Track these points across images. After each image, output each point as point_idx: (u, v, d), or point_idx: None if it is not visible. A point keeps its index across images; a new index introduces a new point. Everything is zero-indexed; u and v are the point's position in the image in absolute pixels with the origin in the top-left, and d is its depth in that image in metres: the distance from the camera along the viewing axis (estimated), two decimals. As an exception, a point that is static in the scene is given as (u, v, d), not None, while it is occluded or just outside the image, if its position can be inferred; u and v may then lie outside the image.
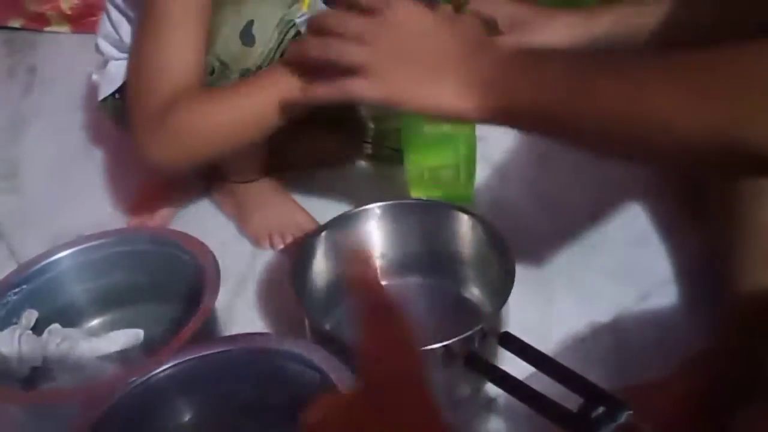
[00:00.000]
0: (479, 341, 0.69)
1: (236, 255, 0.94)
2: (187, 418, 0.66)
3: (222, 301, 0.79)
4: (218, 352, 0.65)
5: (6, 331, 0.73)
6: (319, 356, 0.63)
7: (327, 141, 1.06)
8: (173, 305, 0.81)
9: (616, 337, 0.82)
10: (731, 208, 0.81)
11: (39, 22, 1.49)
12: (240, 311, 0.88)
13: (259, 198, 0.96)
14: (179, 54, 0.75)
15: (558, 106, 0.57)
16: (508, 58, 0.61)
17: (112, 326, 0.82)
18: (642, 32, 0.77)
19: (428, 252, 0.85)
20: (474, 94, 0.61)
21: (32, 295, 0.77)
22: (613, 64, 0.57)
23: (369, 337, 0.37)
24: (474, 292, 0.84)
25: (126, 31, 0.90)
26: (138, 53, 0.78)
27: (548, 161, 1.05)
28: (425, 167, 0.95)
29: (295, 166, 1.05)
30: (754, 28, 0.51)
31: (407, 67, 0.63)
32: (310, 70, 0.68)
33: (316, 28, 0.68)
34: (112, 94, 0.94)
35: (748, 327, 0.74)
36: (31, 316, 0.76)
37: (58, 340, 0.74)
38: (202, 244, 0.80)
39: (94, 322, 0.83)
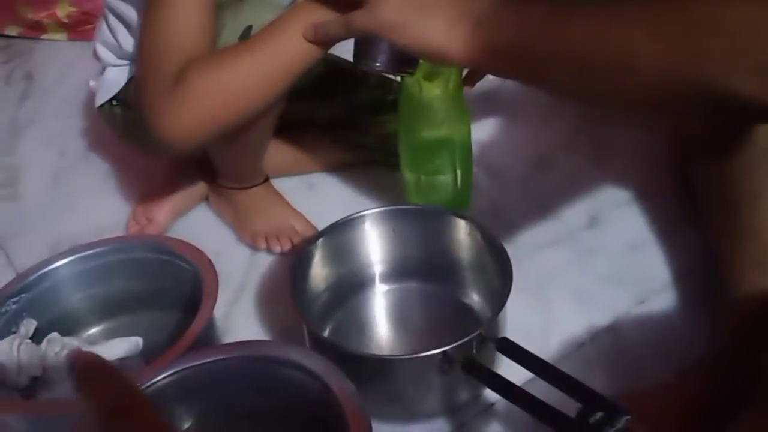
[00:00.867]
0: (477, 347, 0.69)
1: (234, 262, 0.94)
2: (187, 425, 0.66)
3: (220, 307, 0.80)
4: (217, 360, 0.66)
5: (5, 341, 0.73)
6: (317, 363, 0.63)
7: (326, 146, 1.06)
8: (172, 313, 0.81)
9: (615, 341, 0.82)
10: (727, 212, 0.82)
11: (36, 29, 1.50)
12: (239, 318, 0.88)
13: (256, 203, 0.97)
14: (188, 28, 0.74)
15: (534, 45, 0.60)
16: (497, 2, 0.64)
17: (112, 334, 0.82)
18: None
19: (426, 257, 0.85)
20: (461, 33, 0.63)
21: (31, 304, 0.77)
22: (590, 7, 0.59)
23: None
24: (472, 298, 0.84)
25: (124, 36, 0.90)
26: (146, 33, 0.76)
27: (545, 165, 1.05)
28: (422, 173, 0.95)
29: (294, 171, 1.06)
30: None
31: (408, 3, 0.66)
32: (323, 14, 0.70)
33: None
34: (110, 101, 0.94)
35: (745, 331, 0.74)
36: (29, 325, 0.76)
37: (57, 348, 0.74)
38: (200, 251, 0.80)
39: (94, 330, 0.84)
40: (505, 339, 0.71)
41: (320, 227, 0.93)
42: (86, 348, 0.77)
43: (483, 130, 1.10)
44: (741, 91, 0.50)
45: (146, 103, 0.73)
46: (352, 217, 0.84)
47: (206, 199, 1.03)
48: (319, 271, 0.82)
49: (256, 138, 0.90)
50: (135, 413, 0.33)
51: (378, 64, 0.72)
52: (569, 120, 1.11)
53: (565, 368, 0.67)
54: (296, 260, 0.80)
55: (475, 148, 0.97)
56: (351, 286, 0.86)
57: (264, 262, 0.95)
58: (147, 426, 0.33)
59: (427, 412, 0.75)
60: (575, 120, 1.11)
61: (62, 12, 1.47)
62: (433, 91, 0.90)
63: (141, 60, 0.77)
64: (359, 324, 0.84)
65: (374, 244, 0.85)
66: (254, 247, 0.96)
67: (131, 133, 0.95)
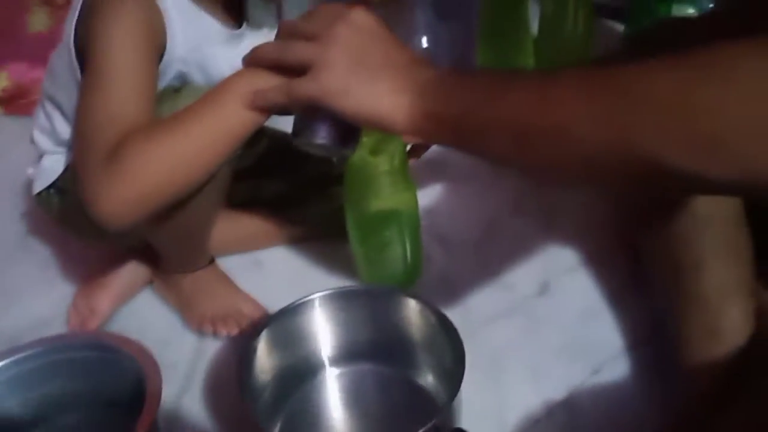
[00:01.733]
0: (434, 435, 0.68)
1: (181, 350, 0.91)
2: None
3: (166, 402, 0.77)
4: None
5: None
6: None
7: (273, 222, 1.05)
8: (115, 413, 0.77)
9: (571, 415, 0.81)
10: (672, 280, 0.82)
11: None
12: (187, 408, 0.85)
13: (202, 287, 0.94)
14: (126, 102, 0.72)
15: (474, 115, 0.60)
16: (441, 72, 0.64)
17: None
18: None
19: (378, 339, 0.84)
20: (404, 101, 0.63)
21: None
22: (530, 77, 0.61)
23: None
24: (426, 379, 0.82)
25: (60, 121, 0.88)
26: (83, 107, 0.74)
27: (494, 231, 1.05)
28: (371, 247, 0.94)
29: (241, 249, 1.04)
30: None
31: (351, 67, 0.65)
32: (265, 81, 0.69)
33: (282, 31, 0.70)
34: (47, 189, 0.92)
35: (700, 400, 0.74)
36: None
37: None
38: (142, 347, 0.77)
39: (34, 433, 0.80)
40: (460, 430, 0.69)
41: (269, 307, 0.91)
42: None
43: (431, 199, 1.10)
44: (672, 163, 0.50)
45: (82, 179, 0.70)
46: (300, 301, 0.82)
47: (151, 283, 1.01)
48: (268, 359, 0.80)
49: (200, 221, 0.88)
50: None
51: (319, 139, 0.69)
52: (517, 184, 1.12)
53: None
54: (244, 350, 0.78)
55: (424, 218, 0.97)
56: (302, 371, 0.84)
57: (211, 348, 0.92)
58: None
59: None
60: (523, 185, 1.11)
61: None
62: (379, 166, 0.89)
63: (77, 135, 0.74)
64: (312, 412, 0.82)
65: (324, 328, 0.83)
66: (201, 333, 0.94)
67: (69, 221, 0.92)
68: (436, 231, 1.04)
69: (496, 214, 1.08)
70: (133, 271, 0.98)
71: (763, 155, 0.47)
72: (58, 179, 0.90)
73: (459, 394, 0.72)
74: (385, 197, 0.91)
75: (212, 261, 0.97)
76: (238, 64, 0.71)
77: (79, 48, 0.78)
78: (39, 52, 1.26)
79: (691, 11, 1.27)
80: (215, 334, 0.93)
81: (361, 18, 0.66)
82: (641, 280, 0.91)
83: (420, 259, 0.98)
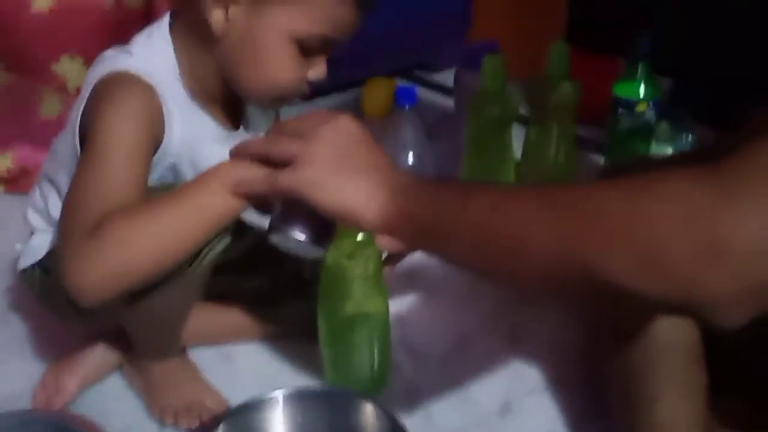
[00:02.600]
0: None
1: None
2: None
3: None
4: None
5: None
6: None
7: (248, 318, 1.07)
8: None
9: None
10: (629, 410, 0.83)
11: None
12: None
13: (169, 376, 0.95)
14: (116, 182, 0.75)
15: (439, 220, 0.65)
16: (414, 177, 0.70)
17: None
18: None
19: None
20: (378, 199, 0.67)
21: None
22: (494, 190, 0.66)
23: None
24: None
25: (54, 202, 0.92)
26: (76, 183, 0.77)
27: (464, 347, 1.07)
28: (339, 350, 0.96)
29: (214, 342, 1.06)
30: None
31: (332, 164, 0.69)
32: (249, 170, 0.73)
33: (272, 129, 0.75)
34: (32, 266, 0.94)
35: None
36: None
37: None
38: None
39: None
40: None
41: (234, 402, 0.92)
42: None
43: (404, 309, 1.12)
44: (617, 279, 0.54)
45: (62, 250, 0.73)
46: (260, 398, 0.83)
47: (120, 367, 1.02)
48: (223, 454, 0.81)
49: (175, 310, 0.90)
50: None
51: (294, 234, 0.72)
52: (489, 302, 1.14)
53: None
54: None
55: (396, 328, 0.99)
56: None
57: (175, 438, 0.93)
58: None
59: None
60: (495, 303, 1.14)
61: (2, 167, 1.49)
62: (354, 271, 0.92)
63: (65, 208, 0.78)
64: None
65: (280, 427, 0.84)
66: (162, 423, 0.94)
67: (50, 299, 0.95)
68: (407, 341, 1.06)
69: (467, 330, 1.10)
70: (103, 353, 1.00)
71: (697, 277, 0.51)
72: (44, 257, 0.93)
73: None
74: (357, 302, 0.94)
75: (183, 351, 0.98)
76: None
77: (83, 133, 0.83)
78: (46, 137, 1.31)
79: (669, 151, 1.34)
80: (175, 425, 0.93)
81: (347, 123, 0.71)
82: (601, 405, 0.92)
83: (388, 367, 0.99)
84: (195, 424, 0.92)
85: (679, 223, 0.51)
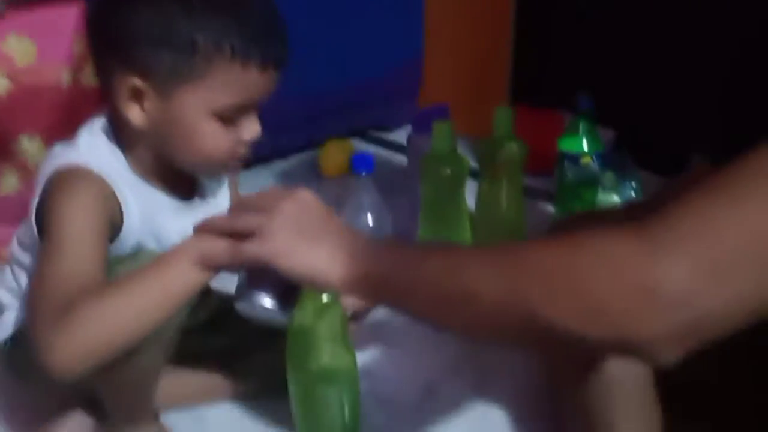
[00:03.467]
0: None
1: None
2: None
3: None
4: None
5: None
6: None
7: (217, 377, 1.09)
8: None
9: None
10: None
11: None
12: None
13: (144, 442, 0.97)
14: (76, 270, 0.80)
15: (396, 278, 0.71)
16: (371, 240, 0.76)
17: None
18: None
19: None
20: (340, 262, 0.73)
21: None
22: (447, 249, 0.73)
23: None
24: None
25: (24, 281, 0.95)
26: (39, 273, 0.82)
27: (431, 393, 1.11)
28: (309, 406, 0.98)
29: (186, 403, 1.07)
30: None
31: (294, 233, 0.75)
32: (214, 243, 0.78)
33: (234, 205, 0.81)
34: (4, 341, 0.96)
35: None
36: None
37: None
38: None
39: None
40: None
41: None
42: None
43: (371, 362, 1.16)
44: (561, 327, 0.59)
45: (34, 330, 0.77)
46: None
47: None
48: None
49: (146, 377, 0.92)
50: None
51: (259, 301, 0.77)
52: (453, 349, 1.19)
53: None
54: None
55: (365, 379, 1.02)
56: None
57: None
58: None
59: None
60: (458, 349, 1.18)
61: None
62: (320, 332, 0.95)
63: (32, 296, 0.82)
64: None
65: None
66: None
67: (21, 371, 0.97)
68: (375, 391, 1.09)
69: (433, 377, 1.14)
70: (79, 423, 1.00)
71: (629, 322, 0.57)
72: (16, 332, 0.95)
73: None
74: (325, 362, 0.97)
75: (156, 417, 1.00)
76: (187, 232, 0.80)
77: (39, 224, 0.88)
78: (7, 212, 1.37)
79: (615, 198, 1.41)
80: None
81: (304, 196, 0.78)
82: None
83: (358, 422, 1.02)
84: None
85: (609, 275, 0.57)
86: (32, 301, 0.81)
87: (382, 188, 1.28)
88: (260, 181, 1.61)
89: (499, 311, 0.63)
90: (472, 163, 1.41)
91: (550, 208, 1.55)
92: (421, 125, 1.46)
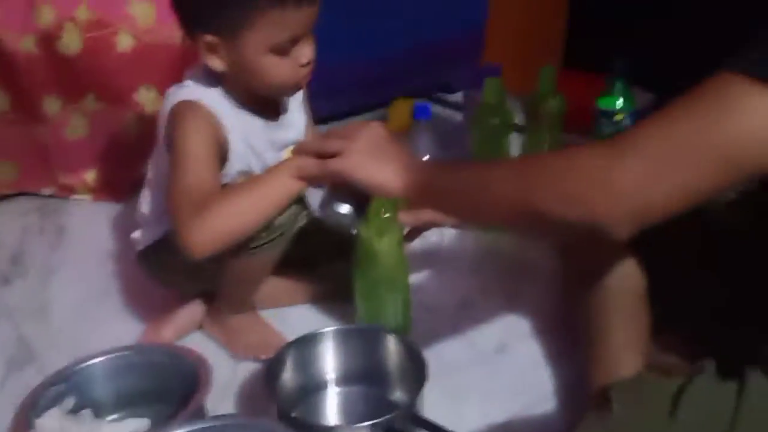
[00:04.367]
0: (399, 421, 0.95)
1: (221, 369, 1.18)
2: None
3: (210, 403, 1.03)
4: (209, 426, 0.91)
5: (52, 410, 0.98)
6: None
7: (298, 283, 1.35)
8: (174, 406, 1.01)
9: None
10: (590, 340, 1.07)
11: (66, 190, 1.76)
12: (224, 411, 1.13)
13: (244, 324, 1.25)
14: (200, 175, 1.06)
15: (438, 184, 0.96)
16: (425, 161, 1.05)
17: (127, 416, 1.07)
18: None
19: (366, 366, 1.12)
20: (399, 174, 0.98)
21: (73, 387, 1.02)
22: (478, 163, 1.04)
23: None
24: (398, 395, 1.11)
25: (147, 202, 1.23)
26: (174, 178, 1.07)
27: (468, 305, 1.36)
28: (371, 306, 1.22)
29: (274, 304, 1.33)
30: None
31: (368, 154, 1.00)
32: (307, 160, 1.05)
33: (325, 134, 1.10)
34: (146, 248, 1.24)
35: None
36: (70, 402, 1.01)
37: (87, 421, 1.00)
38: (200, 356, 1.06)
39: (115, 415, 1.07)
40: (418, 416, 0.97)
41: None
42: (107, 424, 1.02)
43: (420, 275, 1.41)
44: (551, 209, 0.82)
45: (176, 224, 1.04)
46: (313, 333, 1.12)
47: (200, 327, 1.30)
48: (288, 373, 1.09)
49: (260, 269, 1.19)
50: None
51: (338, 208, 1.03)
52: (488, 270, 1.44)
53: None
54: (270, 363, 1.07)
55: (414, 290, 1.25)
56: (310, 387, 1.13)
57: (245, 370, 1.20)
58: None
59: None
60: (493, 271, 1.43)
61: (90, 178, 1.76)
62: (382, 244, 1.18)
63: (170, 196, 1.08)
64: (316, 415, 1.11)
65: (329, 355, 1.13)
66: (238, 359, 1.22)
67: (161, 271, 1.25)
68: (422, 299, 1.32)
69: (471, 292, 1.38)
70: (191, 312, 1.29)
71: (595, 205, 0.78)
72: (157, 241, 1.22)
73: (422, 401, 1.00)
74: (385, 269, 1.19)
75: (253, 308, 1.27)
76: (277, 144, 1.14)
77: (168, 144, 1.14)
78: (126, 154, 1.63)
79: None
80: (254, 358, 1.21)
81: (378, 128, 1.04)
82: (576, 346, 1.18)
83: (409, 319, 1.25)
84: (264, 356, 1.19)
85: (584, 173, 0.80)
86: (172, 199, 1.07)
87: (439, 139, 1.50)
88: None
89: (510, 201, 0.87)
90: (519, 120, 1.60)
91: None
92: (477, 82, 1.65)
